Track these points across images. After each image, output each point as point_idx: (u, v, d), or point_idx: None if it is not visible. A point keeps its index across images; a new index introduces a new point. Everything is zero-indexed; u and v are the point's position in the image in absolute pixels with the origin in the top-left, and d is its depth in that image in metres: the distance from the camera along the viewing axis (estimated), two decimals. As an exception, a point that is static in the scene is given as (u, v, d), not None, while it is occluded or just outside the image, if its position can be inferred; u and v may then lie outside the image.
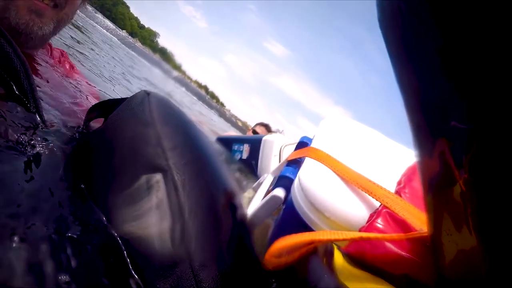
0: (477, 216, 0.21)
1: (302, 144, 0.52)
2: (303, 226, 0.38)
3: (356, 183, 0.38)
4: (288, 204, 0.42)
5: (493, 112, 0.17)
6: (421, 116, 0.22)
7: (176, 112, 0.33)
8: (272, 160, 0.71)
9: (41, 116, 0.36)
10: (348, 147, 0.46)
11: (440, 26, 0.17)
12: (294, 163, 0.47)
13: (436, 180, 0.23)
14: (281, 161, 0.55)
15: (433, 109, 0.21)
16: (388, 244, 0.29)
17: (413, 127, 0.23)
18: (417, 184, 0.40)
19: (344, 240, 0.27)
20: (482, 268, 0.23)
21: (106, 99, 0.39)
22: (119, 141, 0.28)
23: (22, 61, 0.34)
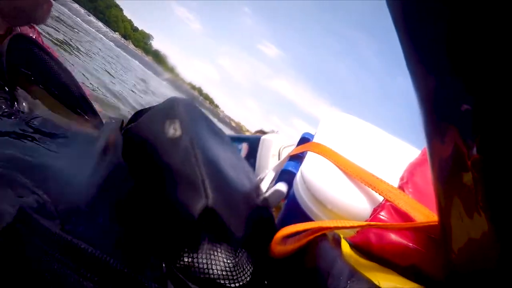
0: (487, 199, 0.21)
1: (304, 140, 0.52)
2: (305, 220, 0.37)
3: (359, 177, 0.38)
4: (290, 198, 0.41)
5: (501, 89, 0.17)
6: (431, 100, 0.22)
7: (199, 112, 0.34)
8: (270, 159, 0.70)
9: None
10: (350, 143, 0.46)
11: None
12: (296, 159, 0.47)
13: (447, 166, 0.23)
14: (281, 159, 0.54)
15: (444, 91, 0.21)
16: (394, 235, 0.28)
17: (424, 112, 0.23)
18: (420, 180, 0.40)
19: (351, 228, 0.27)
20: (492, 257, 0.23)
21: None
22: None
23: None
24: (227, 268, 0.24)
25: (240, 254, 0.25)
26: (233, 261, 0.24)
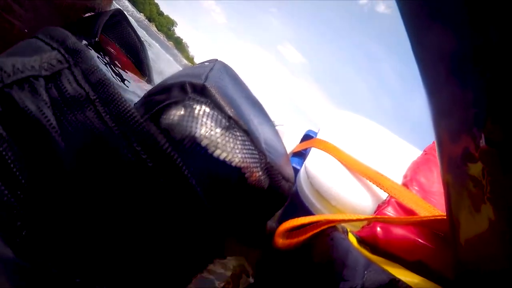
0: (495, 191, 0.21)
1: (307, 137, 0.52)
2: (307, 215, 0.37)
3: (364, 173, 0.37)
4: (292, 195, 0.41)
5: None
6: (444, 88, 0.21)
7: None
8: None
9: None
10: (353, 140, 0.45)
11: None
12: (299, 155, 0.47)
13: (456, 157, 0.23)
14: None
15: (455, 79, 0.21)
16: (401, 230, 0.28)
17: (434, 103, 0.23)
18: (423, 178, 0.40)
19: (358, 220, 0.27)
20: (499, 250, 0.22)
21: None
22: None
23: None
24: None
25: None
26: None
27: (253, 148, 0.25)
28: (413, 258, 0.27)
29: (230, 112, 0.25)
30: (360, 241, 0.28)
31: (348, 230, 0.28)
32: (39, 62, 0.20)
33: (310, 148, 0.43)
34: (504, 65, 0.17)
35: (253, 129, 0.27)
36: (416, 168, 0.42)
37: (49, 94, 0.20)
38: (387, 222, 0.28)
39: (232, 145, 0.24)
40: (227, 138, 0.24)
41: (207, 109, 0.25)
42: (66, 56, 0.21)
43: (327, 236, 0.25)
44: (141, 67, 0.50)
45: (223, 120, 0.25)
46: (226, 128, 0.24)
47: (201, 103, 0.25)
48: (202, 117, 0.24)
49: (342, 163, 0.39)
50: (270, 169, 0.26)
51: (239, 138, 0.25)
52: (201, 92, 0.25)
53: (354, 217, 0.26)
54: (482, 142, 0.20)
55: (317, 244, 0.25)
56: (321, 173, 0.37)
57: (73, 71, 0.20)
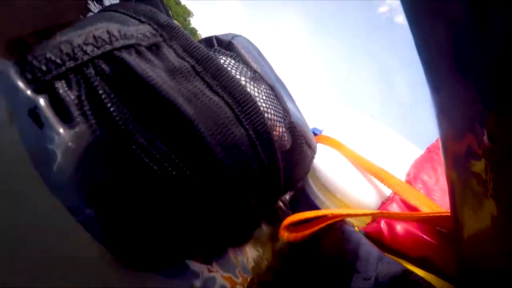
0: (499, 188, 0.21)
1: (313, 134, 0.52)
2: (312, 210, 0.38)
3: (368, 169, 0.38)
4: (298, 189, 0.42)
5: None
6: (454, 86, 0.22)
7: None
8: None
9: None
10: (358, 138, 0.46)
11: None
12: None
13: (460, 155, 0.23)
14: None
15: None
16: (405, 225, 0.29)
17: (437, 100, 0.23)
18: (426, 175, 0.41)
19: (364, 215, 0.28)
20: (501, 248, 0.23)
21: None
22: None
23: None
24: None
25: None
26: None
27: (277, 103, 0.24)
28: (418, 254, 0.28)
29: (255, 67, 0.25)
30: (366, 236, 0.28)
31: (354, 225, 0.28)
32: (134, 32, 0.19)
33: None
34: (507, 61, 0.17)
35: (278, 88, 0.26)
36: (420, 165, 0.43)
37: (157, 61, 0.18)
38: (392, 218, 0.28)
39: (256, 94, 0.23)
40: (251, 87, 0.23)
41: (233, 61, 0.24)
42: (159, 30, 0.20)
43: (337, 229, 0.25)
44: None
45: (249, 72, 0.24)
46: (251, 79, 0.24)
47: (226, 55, 0.25)
48: (227, 66, 0.24)
49: (347, 158, 0.39)
50: (293, 129, 0.25)
51: (264, 90, 0.24)
52: (227, 47, 0.25)
53: (360, 212, 0.27)
54: (485, 140, 0.20)
55: (327, 237, 0.26)
56: (328, 167, 0.38)
57: (171, 45, 0.20)
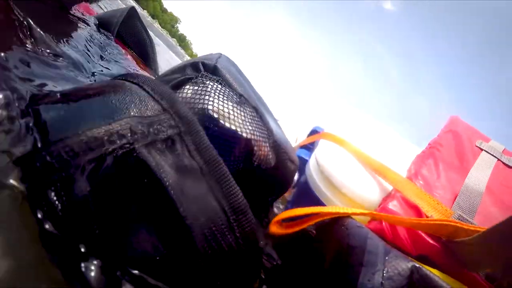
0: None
1: (315, 132, 0.53)
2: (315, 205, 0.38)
3: (370, 165, 0.38)
4: (300, 184, 0.42)
5: None
6: None
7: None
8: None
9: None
10: (359, 136, 0.46)
11: None
12: (307, 148, 0.48)
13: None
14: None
15: None
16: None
17: None
18: (428, 171, 0.41)
19: (362, 215, 0.28)
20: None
21: None
22: None
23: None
24: None
25: None
26: None
27: (261, 124, 0.26)
28: (417, 252, 0.28)
29: (240, 90, 0.27)
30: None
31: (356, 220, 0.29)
32: (154, 126, 0.20)
33: (317, 141, 0.44)
34: None
35: (261, 110, 0.28)
36: (421, 161, 0.43)
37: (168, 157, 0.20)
38: (382, 220, 0.28)
39: (242, 118, 0.25)
40: (238, 112, 0.25)
41: (219, 86, 0.26)
42: (176, 120, 0.21)
43: (340, 226, 0.25)
44: (148, 60, 0.56)
45: (235, 97, 0.26)
46: (237, 103, 0.26)
47: (213, 80, 0.26)
48: (215, 92, 0.25)
49: (351, 154, 0.40)
50: (277, 147, 0.27)
51: (249, 113, 0.26)
52: (213, 71, 0.27)
53: (349, 211, 0.27)
54: None
55: (332, 234, 0.26)
56: (331, 161, 0.38)
57: (185, 140, 0.21)
